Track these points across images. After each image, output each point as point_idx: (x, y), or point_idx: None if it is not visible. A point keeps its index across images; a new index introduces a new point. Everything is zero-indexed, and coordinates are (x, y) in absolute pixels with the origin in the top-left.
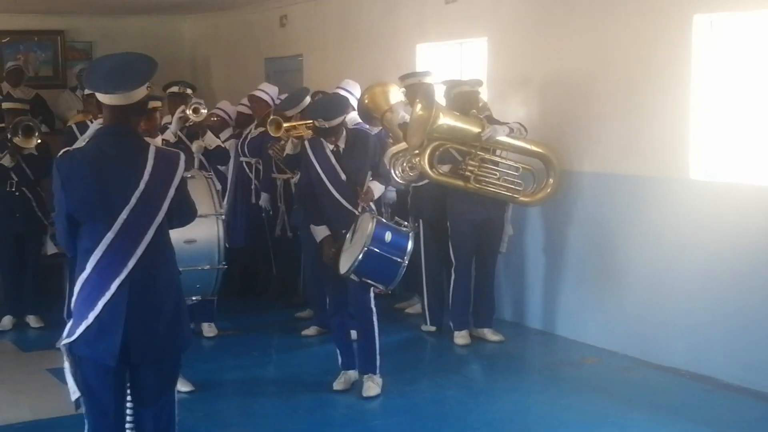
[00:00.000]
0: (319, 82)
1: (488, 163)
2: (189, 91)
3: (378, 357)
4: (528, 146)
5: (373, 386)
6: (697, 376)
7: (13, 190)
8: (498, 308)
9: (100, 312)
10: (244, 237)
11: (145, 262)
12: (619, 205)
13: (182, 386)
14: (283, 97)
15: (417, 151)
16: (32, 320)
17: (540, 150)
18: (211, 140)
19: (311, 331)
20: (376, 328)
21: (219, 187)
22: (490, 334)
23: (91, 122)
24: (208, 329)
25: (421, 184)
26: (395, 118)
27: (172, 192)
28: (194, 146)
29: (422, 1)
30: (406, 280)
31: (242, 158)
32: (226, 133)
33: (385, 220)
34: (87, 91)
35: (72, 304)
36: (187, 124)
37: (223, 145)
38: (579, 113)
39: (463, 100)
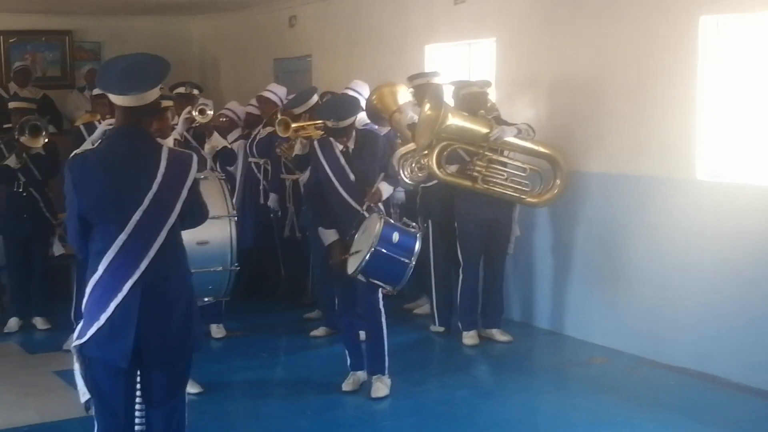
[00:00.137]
0: (328, 83)
1: (496, 164)
2: (195, 91)
3: (387, 358)
4: (535, 147)
5: (381, 387)
6: (704, 376)
7: (21, 190)
8: (506, 308)
9: (112, 313)
10: (253, 238)
11: (158, 264)
12: (626, 205)
13: (191, 388)
14: (291, 97)
15: (425, 152)
16: (39, 322)
17: (547, 151)
18: (217, 141)
19: (320, 331)
20: (385, 328)
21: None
22: (498, 335)
23: (99, 123)
24: (217, 330)
25: (430, 184)
26: (404, 118)
27: (184, 193)
28: (206, 148)
29: (431, 2)
30: (415, 280)
31: (251, 159)
32: (235, 134)
33: (393, 221)
34: (95, 92)
35: (83, 306)
36: (193, 125)
37: (229, 146)
38: (586, 114)
39: (472, 100)
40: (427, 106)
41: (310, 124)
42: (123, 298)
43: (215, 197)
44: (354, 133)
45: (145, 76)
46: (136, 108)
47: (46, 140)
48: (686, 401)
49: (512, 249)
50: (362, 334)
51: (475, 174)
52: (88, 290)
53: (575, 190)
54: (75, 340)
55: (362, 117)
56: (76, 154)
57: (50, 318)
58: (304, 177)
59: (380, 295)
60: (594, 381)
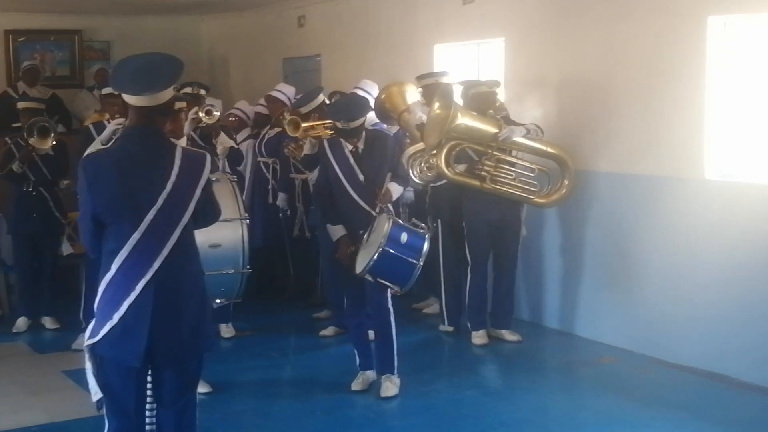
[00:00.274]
0: (337, 83)
1: (504, 164)
2: (202, 91)
3: (396, 357)
4: (543, 147)
5: (391, 386)
6: (714, 375)
7: (30, 190)
8: (515, 308)
9: (125, 313)
10: (261, 237)
11: (171, 263)
12: (635, 205)
13: (200, 387)
14: (298, 97)
15: (434, 151)
16: (48, 321)
17: (555, 151)
18: (224, 141)
19: (329, 331)
20: (394, 328)
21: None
22: (507, 334)
23: (108, 122)
24: (226, 330)
25: (439, 184)
26: (412, 118)
27: (198, 193)
28: (219, 148)
29: (440, 1)
30: (424, 280)
31: (259, 158)
32: (244, 133)
33: (401, 221)
34: (104, 91)
35: (95, 305)
36: (200, 125)
37: (236, 146)
38: (595, 114)
39: (481, 100)
40: (437, 105)
41: (320, 124)
42: (136, 298)
43: (227, 200)
44: (364, 134)
45: (159, 76)
46: (149, 108)
47: (54, 142)
48: (696, 401)
49: (519, 249)
50: (371, 334)
51: (484, 174)
52: (100, 289)
53: (584, 189)
54: (87, 340)
55: (371, 117)
56: (89, 153)
57: (59, 318)
58: (313, 176)
59: (389, 295)
60: (603, 381)
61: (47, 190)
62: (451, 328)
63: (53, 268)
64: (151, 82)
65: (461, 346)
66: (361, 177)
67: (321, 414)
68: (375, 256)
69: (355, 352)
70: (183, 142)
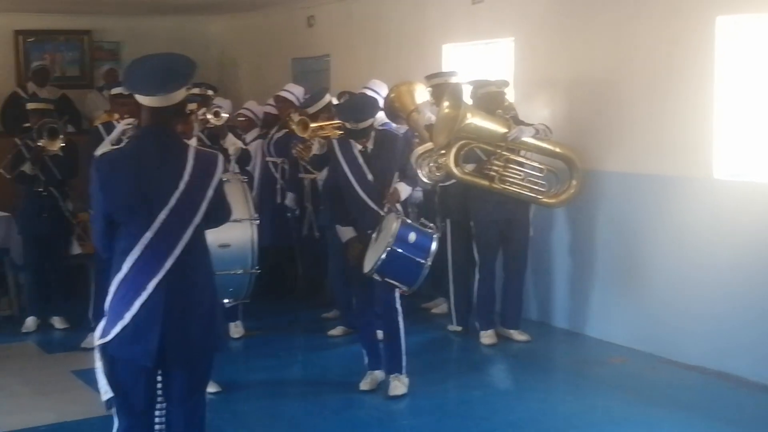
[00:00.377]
0: (346, 83)
1: (513, 164)
2: (210, 92)
3: (404, 357)
4: (552, 148)
5: (399, 386)
6: (723, 375)
7: (41, 190)
8: (524, 308)
9: (137, 312)
10: (270, 237)
11: (182, 263)
12: (643, 204)
13: (209, 387)
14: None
15: (443, 151)
16: (57, 321)
17: (563, 152)
18: (233, 142)
19: (337, 331)
20: (402, 328)
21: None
22: (516, 334)
23: (118, 122)
24: (235, 329)
25: (447, 184)
26: (421, 118)
27: (210, 193)
28: (231, 149)
29: (449, 1)
30: (432, 280)
31: (268, 158)
32: (253, 133)
33: (410, 221)
34: (113, 91)
35: (106, 305)
36: (207, 126)
37: (244, 147)
38: (604, 113)
39: (490, 100)
40: (446, 104)
41: (328, 124)
42: (148, 297)
43: (237, 200)
44: (373, 133)
45: (172, 77)
46: (163, 108)
47: (63, 143)
48: (705, 400)
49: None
50: (380, 334)
51: (493, 173)
52: (112, 289)
53: (592, 189)
54: (98, 339)
55: (380, 117)
56: (103, 153)
57: (68, 317)
58: (321, 176)
59: (398, 295)
60: (612, 380)
61: (57, 190)
62: (459, 328)
63: (63, 268)
64: (164, 82)
65: (470, 346)
66: (370, 177)
67: (329, 414)
68: (383, 256)
69: (364, 351)
70: (193, 142)
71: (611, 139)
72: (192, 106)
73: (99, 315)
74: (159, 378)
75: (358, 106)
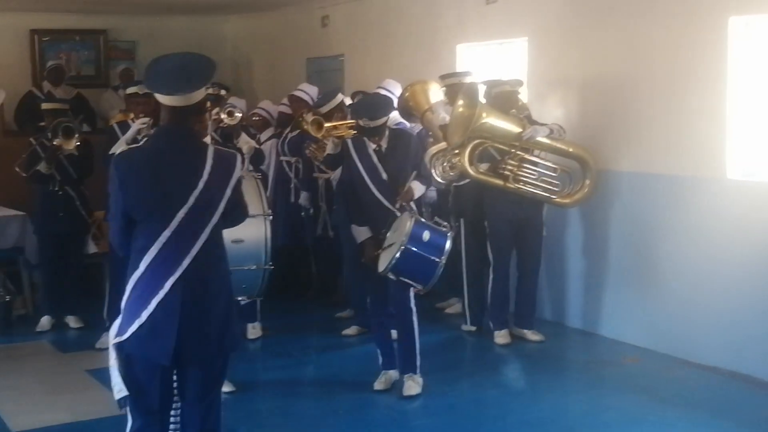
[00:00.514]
0: (360, 82)
1: (527, 163)
2: (223, 92)
3: (418, 356)
4: (565, 147)
5: (413, 386)
6: (737, 375)
7: (57, 189)
8: (538, 308)
9: (154, 310)
10: (284, 236)
11: (200, 262)
12: (656, 204)
13: (224, 386)
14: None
15: (457, 151)
16: (72, 321)
17: (577, 152)
18: (245, 141)
19: (351, 330)
20: (417, 327)
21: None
22: (530, 334)
23: (133, 121)
24: (252, 331)
25: (461, 183)
26: (435, 117)
27: (228, 192)
28: (245, 147)
29: (463, 1)
30: (446, 280)
31: (282, 157)
32: (267, 133)
33: (423, 220)
34: (128, 91)
35: (123, 303)
36: (221, 125)
37: (257, 146)
38: (617, 113)
39: (504, 99)
40: (461, 103)
41: (343, 124)
42: (165, 296)
43: (251, 196)
44: (387, 132)
45: (192, 77)
46: (182, 108)
47: (79, 142)
48: (719, 400)
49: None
50: (394, 333)
51: (507, 173)
52: (129, 287)
53: (606, 189)
54: (115, 337)
55: (394, 116)
56: (122, 151)
57: (83, 317)
58: (335, 175)
59: (412, 294)
60: (626, 381)
61: (73, 189)
62: (473, 328)
63: (79, 267)
64: (185, 82)
65: (484, 346)
66: (385, 176)
67: (343, 413)
68: (397, 255)
69: (378, 351)
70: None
71: (624, 139)
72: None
73: (114, 314)
74: (174, 377)
75: (371, 104)
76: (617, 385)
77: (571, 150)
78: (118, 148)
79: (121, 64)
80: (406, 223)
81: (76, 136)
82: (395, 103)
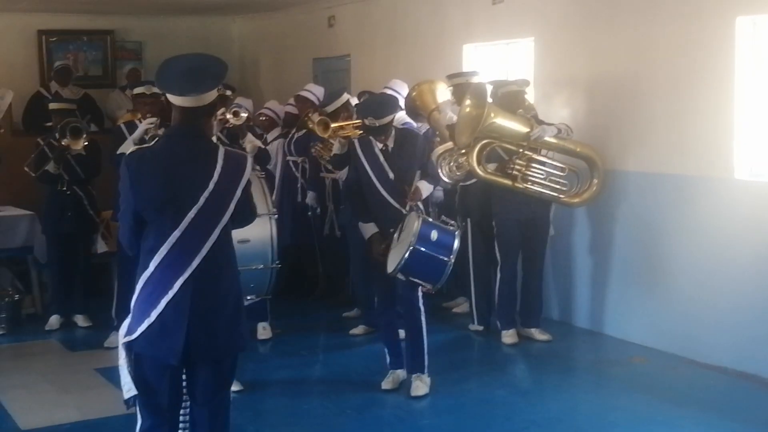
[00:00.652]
0: (366, 82)
1: (535, 163)
2: (228, 92)
3: (426, 356)
4: (573, 147)
5: (421, 385)
6: (744, 375)
7: (65, 189)
8: (545, 307)
9: (163, 310)
10: (291, 235)
11: (209, 262)
12: (664, 204)
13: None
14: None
15: (464, 150)
16: (80, 320)
17: (585, 151)
18: (249, 140)
19: (359, 330)
20: (424, 327)
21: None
22: (537, 334)
23: (140, 122)
24: (263, 331)
25: (468, 183)
26: (442, 117)
27: (238, 193)
28: (248, 147)
29: (469, 1)
30: (453, 279)
31: (289, 157)
32: (274, 133)
33: (431, 219)
34: (135, 91)
35: (132, 302)
36: (226, 126)
37: (262, 146)
38: (624, 113)
39: (510, 99)
40: (469, 103)
41: (349, 124)
42: (174, 295)
43: (256, 195)
44: (393, 132)
45: (205, 78)
46: (194, 108)
47: (86, 142)
48: (726, 400)
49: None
50: (401, 333)
51: (515, 173)
52: (138, 287)
53: (613, 189)
54: (124, 337)
55: (401, 116)
56: (133, 151)
57: (91, 316)
58: (342, 175)
59: (420, 294)
60: (633, 380)
61: (81, 189)
62: (480, 328)
63: (87, 266)
64: (197, 83)
65: (491, 346)
66: (391, 175)
67: (351, 413)
68: (406, 255)
69: (386, 350)
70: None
71: (632, 139)
72: None
73: (122, 313)
74: (183, 377)
75: (376, 103)
76: (624, 385)
77: (578, 150)
78: (126, 148)
79: (128, 65)
80: (413, 224)
81: (84, 136)
82: (402, 103)
